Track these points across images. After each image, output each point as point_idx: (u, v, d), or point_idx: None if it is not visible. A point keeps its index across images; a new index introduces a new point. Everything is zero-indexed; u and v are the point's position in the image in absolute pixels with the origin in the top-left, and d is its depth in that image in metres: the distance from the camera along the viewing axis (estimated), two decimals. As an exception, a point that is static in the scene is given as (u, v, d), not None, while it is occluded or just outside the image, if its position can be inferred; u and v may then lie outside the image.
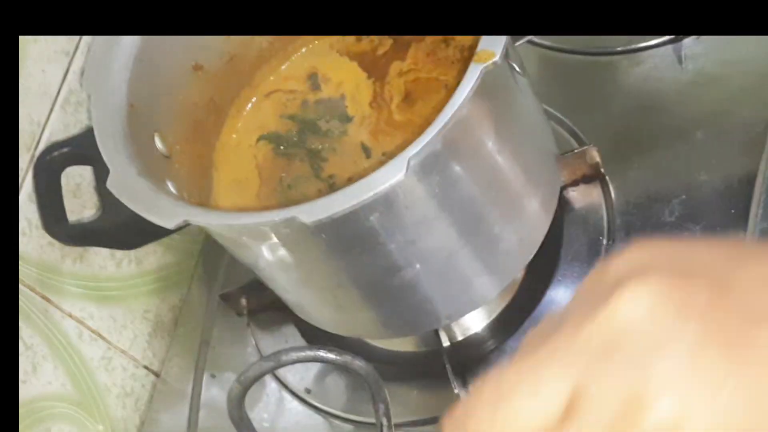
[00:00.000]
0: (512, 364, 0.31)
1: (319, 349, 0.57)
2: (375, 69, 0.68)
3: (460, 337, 0.70)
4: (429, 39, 0.66)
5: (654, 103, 0.71)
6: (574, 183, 0.70)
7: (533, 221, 0.62)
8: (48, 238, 0.66)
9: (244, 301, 0.77)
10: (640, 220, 0.67)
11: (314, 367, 0.73)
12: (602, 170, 0.69)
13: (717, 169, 0.66)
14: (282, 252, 0.56)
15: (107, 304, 0.76)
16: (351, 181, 0.49)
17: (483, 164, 0.56)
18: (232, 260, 0.63)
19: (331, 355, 0.57)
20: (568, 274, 0.67)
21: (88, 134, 0.58)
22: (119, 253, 0.77)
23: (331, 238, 0.53)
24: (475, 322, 0.70)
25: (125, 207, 0.54)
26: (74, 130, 0.70)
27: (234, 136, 0.69)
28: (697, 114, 0.69)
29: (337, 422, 0.70)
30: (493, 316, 0.70)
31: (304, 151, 0.66)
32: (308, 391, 0.72)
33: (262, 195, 0.65)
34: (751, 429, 0.28)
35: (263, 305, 0.76)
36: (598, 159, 0.68)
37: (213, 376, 0.78)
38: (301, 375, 0.73)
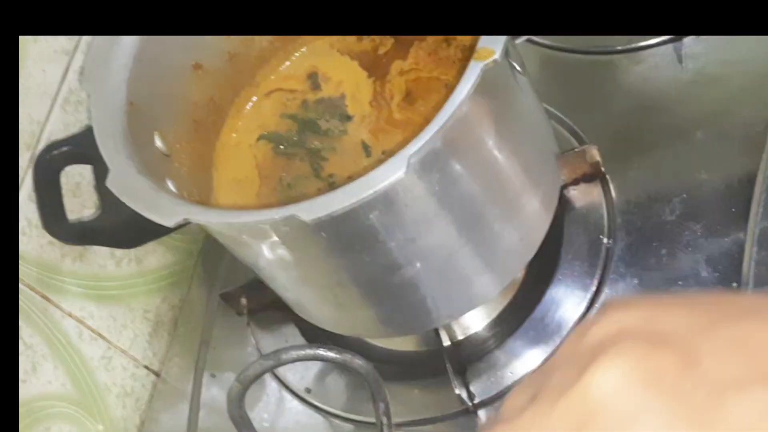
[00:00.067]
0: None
1: (318, 347, 0.57)
2: (376, 68, 0.68)
3: (460, 337, 0.70)
4: (431, 38, 0.66)
5: (654, 102, 0.71)
6: (575, 182, 0.70)
7: (533, 220, 0.62)
8: (48, 237, 0.66)
9: (244, 301, 0.77)
10: (641, 219, 0.67)
11: (314, 367, 0.73)
12: (603, 169, 0.69)
13: (717, 168, 0.66)
14: (282, 250, 0.56)
15: (107, 304, 0.76)
16: (351, 180, 0.49)
17: (483, 162, 0.56)
18: (232, 260, 0.63)
19: (330, 354, 0.57)
20: (568, 274, 0.67)
21: (87, 133, 0.58)
22: (119, 253, 0.77)
23: (331, 237, 0.53)
24: (475, 322, 0.70)
25: (125, 206, 0.53)
26: (74, 129, 0.70)
27: (234, 135, 0.69)
28: (697, 113, 0.69)
29: (337, 422, 0.70)
30: (494, 315, 0.70)
31: (304, 151, 0.66)
32: (308, 390, 0.72)
33: (262, 194, 0.65)
34: None
35: (263, 305, 0.76)
36: (598, 158, 0.68)
37: (213, 375, 0.77)
38: (301, 374, 0.73)
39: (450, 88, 0.49)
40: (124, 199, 0.53)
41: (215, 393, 0.76)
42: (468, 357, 0.68)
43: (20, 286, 0.68)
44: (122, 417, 0.78)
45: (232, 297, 0.78)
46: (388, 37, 0.69)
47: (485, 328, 0.70)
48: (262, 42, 0.69)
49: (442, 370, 0.66)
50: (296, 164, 0.66)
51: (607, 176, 0.69)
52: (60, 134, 0.69)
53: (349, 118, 0.66)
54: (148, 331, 0.81)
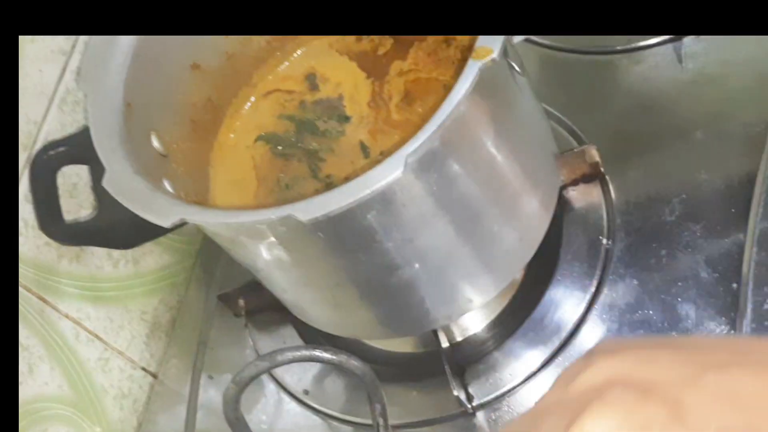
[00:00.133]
0: None
1: (314, 348, 0.57)
2: (375, 69, 0.68)
3: (459, 338, 0.69)
4: (431, 39, 0.66)
5: (654, 102, 0.71)
6: (574, 182, 0.69)
7: (532, 220, 0.62)
8: (44, 238, 0.65)
9: (242, 302, 0.77)
10: (640, 219, 0.66)
11: (312, 369, 0.73)
12: (602, 169, 0.69)
13: (717, 169, 0.66)
14: (279, 251, 0.56)
15: (104, 305, 0.76)
16: (348, 181, 0.49)
17: (481, 162, 0.56)
18: (230, 261, 0.63)
19: (327, 355, 0.57)
20: (567, 274, 0.67)
21: (84, 133, 0.58)
22: (116, 254, 0.77)
23: (329, 237, 0.53)
24: (474, 323, 0.70)
25: (122, 206, 0.53)
26: (71, 129, 0.70)
27: (232, 135, 0.69)
28: (697, 113, 0.69)
29: (335, 423, 0.70)
30: (493, 316, 0.69)
31: (302, 152, 0.66)
32: (306, 392, 0.72)
33: (260, 195, 0.65)
34: None
35: (261, 306, 0.76)
36: (597, 158, 0.68)
37: (211, 377, 0.77)
38: (299, 376, 0.73)
39: (449, 89, 0.49)
40: (120, 199, 0.53)
41: (213, 394, 0.76)
42: (467, 358, 0.68)
43: (16, 287, 0.68)
44: (119, 419, 0.77)
45: (229, 298, 0.78)
46: (387, 37, 0.68)
47: (484, 329, 0.70)
48: (260, 42, 0.69)
49: (441, 371, 0.66)
50: (294, 165, 0.66)
51: (607, 177, 0.69)
52: (57, 134, 0.68)
53: (347, 118, 0.66)
54: (145, 332, 0.80)
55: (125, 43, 0.60)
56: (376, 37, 0.69)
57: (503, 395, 0.65)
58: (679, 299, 0.62)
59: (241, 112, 0.69)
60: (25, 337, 0.69)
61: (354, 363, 0.56)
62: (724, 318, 0.60)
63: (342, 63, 0.69)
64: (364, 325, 0.65)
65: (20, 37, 0.65)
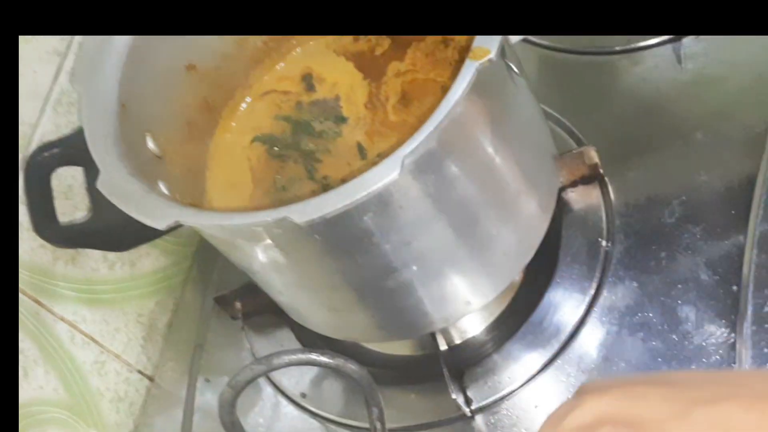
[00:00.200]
0: None
1: (311, 352, 0.57)
2: (372, 69, 0.68)
3: (457, 341, 0.69)
4: (429, 39, 0.66)
5: (653, 103, 0.71)
6: (573, 184, 0.69)
7: (531, 222, 0.61)
8: (39, 240, 0.65)
9: (238, 305, 0.77)
10: (640, 221, 0.66)
11: (310, 372, 0.72)
12: (601, 171, 0.68)
13: (717, 170, 0.66)
14: (275, 253, 0.55)
15: (100, 307, 0.76)
16: (345, 182, 0.49)
17: (479, 164, 0.55)
18: (227, 263, 0.62)
19: (323, 358, 0.56)
20: (566, 277, 0.66)
21: (79, 135, 0.57)
22: (112, 256, 0.76)
23: (325, 239, 0.53)
24: (472, 325, 0.69)
25: (117, 208, 0.53)
26: (66, 131, 0.69)
27: (228, 137, 0.68)
28: (696, 114, 0.69)
29: (332, 427, 0.70)
30: (491, 319, 0.69)
31: (298, 153, 0.66)
32: (304, 395, 0.72)
33: (256, 197, 0.65)
34: None
35: (258, 308, 0.76)
36: (596, 159, 0.67)
37: (207, 380, 0.77)
38: (296, 379, 0.72)
39: (446, 90, 0.49)
40: (114, 201, 0.53)
41: (209, 398, 0.76)
42: (465, 361, 0.67)
43: (11, 289, 0.67)
44: (115, 422, 0.77)
45: (226, 301, 0.77)
46: (385, 37, 0.68)
47: (483, 331, 0.69)
48: (256, 42, 0.68)
49: (439, 374, 0.65)
50: (290, 166, 0.65)
51: (606, 178, 0.69)
52: (52, 136, 0.68)
53: (343, 119, 0.66)
54: (141, 335, 0.80)
55: (120, 43, 0.60)
56: (373, 38, 0.69)
57: (502, 398, 0.64)
58: (679, 302, 0.62)
59: (237, 113, 0.69)
60: (20, 340, 0.68)
61: (351, 367, 0.56)
62: (724, 321, 0.60)
63: (339, 63, 0.69)
64: (361, 328, 0.64)
65: (15, 38, 0.65)
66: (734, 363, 0.58)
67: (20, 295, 0.68)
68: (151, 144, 0.60)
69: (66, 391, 0.72)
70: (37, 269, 0.69)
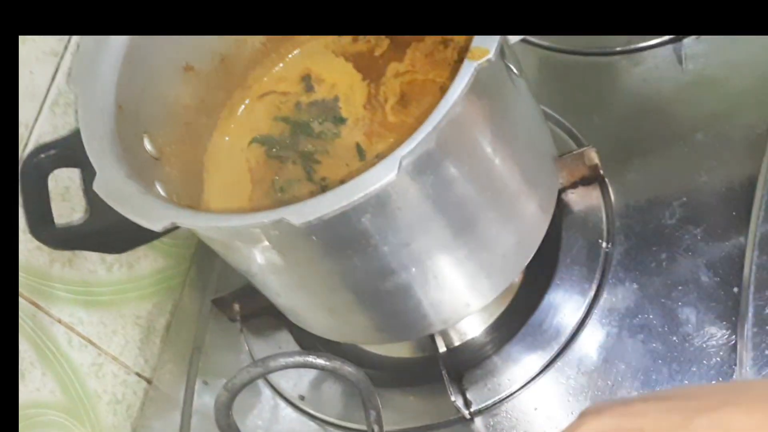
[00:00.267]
0: None
1: (308, 354, 0.56)
2: (371, 70, 0.68)
3: (456, 343, 0.69)
4: (428, 40, 0.66)
5: (654, 104, 0.70)
6: (573, 185, 0.69)
7: (531, 223, 0.61)
8: (36, 242, 0.65)
9: (237, 307, 0.77)
10: (640, 222, 0.66)
11: (308, 374, 0.72)
12: (601, 172, 0.68)
13: (718, 171, 0.65)
14: (273, 255, 0.55)
15: (97, 310, 0.75)
16: (343, 183, 0.48)
17: (478, 165, 0.55)
18: (225, 265, 0.62)
19: (320, 361, 0.56)
20: (566, 278, 0.66)
21: (76, 136, 0.57)
22: (110, 258, 0.76)
23: (323, 241, 0.52)
24: (472, 327, 0.69)
25: (114, 210, 0.53)
26: (63, 132, 0.69)
27: (226, 138, 0.68)
28: (697, 115, 0.68)
29: (331, 429, 0.70)
30: (491, 320, 0.69)
31: (297, 154, 0.65)
32: (302, 398, 0.72)
33: (254, 198, 0.64)
34: None
35: (256, 310, 0.76)
36: (596, 160, 0.67)
37: (206, 382, 0.77)
38: (295, 382, 0.72)
39: (445, 91, 0.49)
40: (110, 202, 0.52)
41: (207, 400, 0.75)
42: (464, 363, 0.67)
43: (8, 291, 0.67)
44: (113, 425, 0.76)
45: (225, 303, 0.77)
46: (384, 38, 0.68)
47: (482, 333, 0.69)
48: (254, 43, 0.68)
49: (438, 376, 0.65)
50: (289, 167, 0.65)
51: (606, 179, 0.68)
52: (49, 137, 0.68)
53: (342, 120, 0.66)
54: (139, 337, 0.80)
55: (117, 43, 0.60)
56: (372, 38, 0.68)
57: (502, 401, 0.64)
58: (680, 303, 0.62)
59: (236, 115, 0.69)
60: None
61: (348, 369, 0.56)
62: (725, 322, 0.60)
63: (338, 64, 0.69)
64: (359, 330, 0.64)
65: (12, 38, 0.65)
66: (735, 365, 0.57)
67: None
68: (148, 145, 0.60)
69: (63, 394, 0.72)
70: (33, 271, 0.69)
